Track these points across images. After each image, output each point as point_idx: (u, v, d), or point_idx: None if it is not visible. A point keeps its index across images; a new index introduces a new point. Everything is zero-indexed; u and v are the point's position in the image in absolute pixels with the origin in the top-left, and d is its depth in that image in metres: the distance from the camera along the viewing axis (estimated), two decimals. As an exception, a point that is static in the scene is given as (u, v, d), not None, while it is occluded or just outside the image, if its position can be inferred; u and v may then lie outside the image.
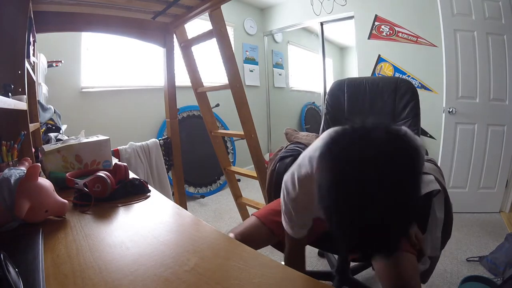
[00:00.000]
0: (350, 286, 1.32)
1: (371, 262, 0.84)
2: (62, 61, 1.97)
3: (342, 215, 0.43)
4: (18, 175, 0.62)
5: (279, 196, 0.82)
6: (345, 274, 1.32)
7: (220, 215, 2.40)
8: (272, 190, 1.23)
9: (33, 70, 1.30)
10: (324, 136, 0.62)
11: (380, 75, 2.81)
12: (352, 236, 0.44)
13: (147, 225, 0.66)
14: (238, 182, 2.12)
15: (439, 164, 1.14)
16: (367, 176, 0.40)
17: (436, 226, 0.93)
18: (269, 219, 0.95)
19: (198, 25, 2.51)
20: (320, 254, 1.74)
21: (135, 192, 0.86)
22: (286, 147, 1.32)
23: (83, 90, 2.27)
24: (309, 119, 4.54)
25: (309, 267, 1.63)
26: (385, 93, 1.29)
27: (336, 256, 1.42)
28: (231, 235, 0.90)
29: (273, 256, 1.90)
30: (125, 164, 0.95)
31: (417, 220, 0.90)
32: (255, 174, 1.72)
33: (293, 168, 0.72)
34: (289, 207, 0.75)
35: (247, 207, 2.03)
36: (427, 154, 1.19)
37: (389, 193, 0.40)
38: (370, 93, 1.34)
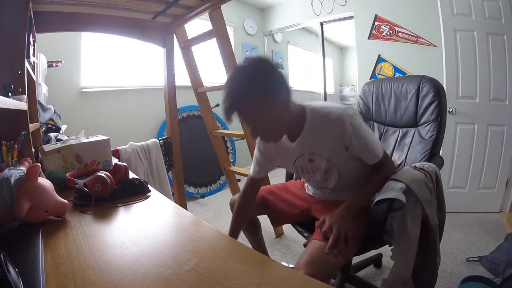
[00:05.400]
0: (352, 283, 1.32)
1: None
2: (62, 61, 1.97)
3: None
4: (18, 175, 0.62)
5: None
6: (347, 272, 1.32)
7: (220, 215, 2.40)
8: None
9: (33, 70, 1.30)
10: None
11: (380, 75, 2.81)
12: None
13: (147, 225, 0.66)
14: (238, 182, 2.12)
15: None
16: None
17: (408, 243, 0.81)
18: (261, 194, 1.11)
19: (198, 25, 2.51)
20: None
21: (135, 192, 0.87)
22: None
23: (83, 90, 2.27)
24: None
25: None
26: (409, 94, 1.23)
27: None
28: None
29: (273, 256, 1.90)
30: (125, 164, 0.95)
31: (372, 225, 0.83)
32: (255, 174, 1.72)
33: None
34: (256, 156, 1.05)
35: (247, 207, 2.03)
36: (442, 161, 1.13)
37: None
38: (395, 94, 1.30)
